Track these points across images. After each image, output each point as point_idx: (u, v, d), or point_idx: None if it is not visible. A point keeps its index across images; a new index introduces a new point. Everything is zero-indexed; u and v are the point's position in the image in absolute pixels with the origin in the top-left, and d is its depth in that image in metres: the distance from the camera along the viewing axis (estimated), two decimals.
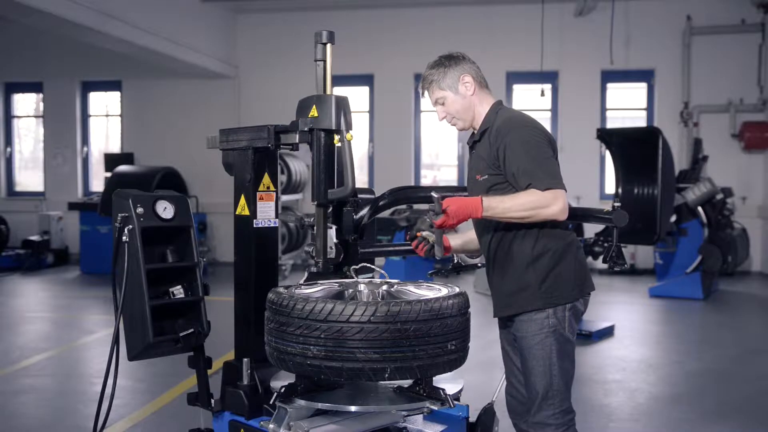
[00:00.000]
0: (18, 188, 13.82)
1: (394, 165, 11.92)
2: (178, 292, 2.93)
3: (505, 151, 2.68)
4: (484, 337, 5.56)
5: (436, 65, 2.86)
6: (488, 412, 3.12)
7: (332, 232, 2.90)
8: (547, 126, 11.77)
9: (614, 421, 4.65)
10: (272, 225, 3.01)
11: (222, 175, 3.19)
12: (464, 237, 3.13)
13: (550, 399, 2.74)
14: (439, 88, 2.84)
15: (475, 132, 2.89)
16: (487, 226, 2.84)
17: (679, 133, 11.43)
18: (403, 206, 9.77)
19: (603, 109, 11.89)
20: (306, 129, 2.75)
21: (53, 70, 13.01)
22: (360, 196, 3.07)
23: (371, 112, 12.40)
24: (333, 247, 2.88)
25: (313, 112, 2.71)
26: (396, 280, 2.90)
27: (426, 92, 2.90)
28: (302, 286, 2.76)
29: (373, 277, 3.05)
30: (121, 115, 13.29)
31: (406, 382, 2.64)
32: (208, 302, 3.01)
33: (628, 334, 7.26)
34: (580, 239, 7.17)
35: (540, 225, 2.72)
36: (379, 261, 3.41)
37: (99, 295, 9.06)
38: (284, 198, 10.93)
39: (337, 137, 2.71)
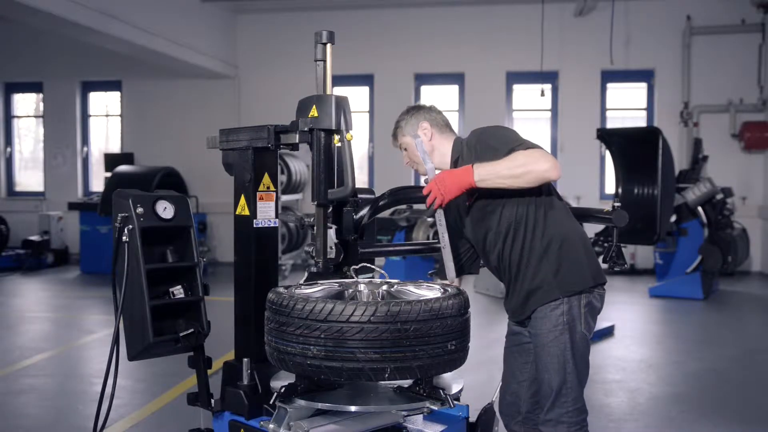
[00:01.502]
0: (18, 188, 13.83)
1: (394, 165, 11.91)
2: (178, 292, 2.93)
3: (480, 152, 2.73)
4: (484, 337, 5.56)
5: (403, 114, 3.01)
6: (488, 412, 3.12)
7: (332, 232, 2.90)
8: (547, 126, 11.94)
9: (614, 421, 4.65)
10: (272, 225, 3.01)
11: (222, 175, 3.19)
12: None
13: (563, 396, 2.74)
14: (401, 135, 2.98)
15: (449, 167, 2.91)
16: (494, 238, 2.83)
17: (679, 133, 11.43)
18: (403, 206, 9.78)
19: (603, 109, 11.90)
20: (306, 129, 2.75)
21: (53, 70, 13.01)
22: (360, 196, 3.08)
23: (371, 112, 12.40)
24: (333, 247, 2.88)
25: (313, 112, 2.71)
26: (396, 280, 2.90)
27: (395, 138, 3.03)
28: (302, 286, 2.76)
29: (373, 277, 3.05)
30: (121, 115, 13.29)
31: (406, 382, 2.64)
32: (208, 302, 3.01)
33: (628, 334, 7.26)
34: None
35: (543, 216, 2.74)
36: (379, 261, 3.41)
37: (99, 295, 9.06)
38: (284, 198, 10.94)
39: (337, 137, 2.71)
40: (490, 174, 2.57)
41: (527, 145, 2.63)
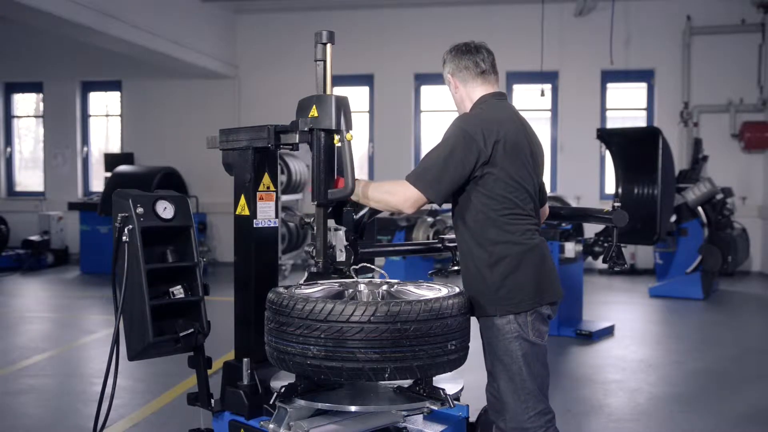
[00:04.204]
0: (18, 188, 13.83)
1: (394, 165, 11.91)
2: (178, 292, 2.93)
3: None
4: None
5: (446, 51, 2.98)
6: (488, 412, 3.12)
7: (341, 234, 2.89)
8: (547, 126, 11.92)
9: (614, 421, 4.65)
10: (272, 225, 3.02)
11: (222, 175, 3.19)
12: None
13: (523, 403, 2.70)
14: (445, 71, 2.98)
15: None
16: (456, 228, 2.84)
17: (679, 133, 11.43)
18: None
19: (603, 109, 11.89)
20: (306, 129, 2.75)
21: (53, 70, 13.01)
22: None
23: (371, 112, 12.40)
24: (343, 250, 2.88)
25: (313, 112, 2.71)
26: (396, 280, 2.90)
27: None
28: (302, 286, 2.76)
29: (373, 277, 3.05)
30: (121, 115, 13.29)
31: (406, 382, 2.64)
32: (208, 302, 3.01)
33: (628, 334, 7.26)
34: (579, 239, 7.19)
35: (499, 229, 2.68)
36: (379, 261, 3.41)
37: (99, 295, 9.06)
38: (284, 198, 10.93)
39: (337, 137, 2.71)
40: (362, 197, 2.76)
41: (423, 173, 2.69)
